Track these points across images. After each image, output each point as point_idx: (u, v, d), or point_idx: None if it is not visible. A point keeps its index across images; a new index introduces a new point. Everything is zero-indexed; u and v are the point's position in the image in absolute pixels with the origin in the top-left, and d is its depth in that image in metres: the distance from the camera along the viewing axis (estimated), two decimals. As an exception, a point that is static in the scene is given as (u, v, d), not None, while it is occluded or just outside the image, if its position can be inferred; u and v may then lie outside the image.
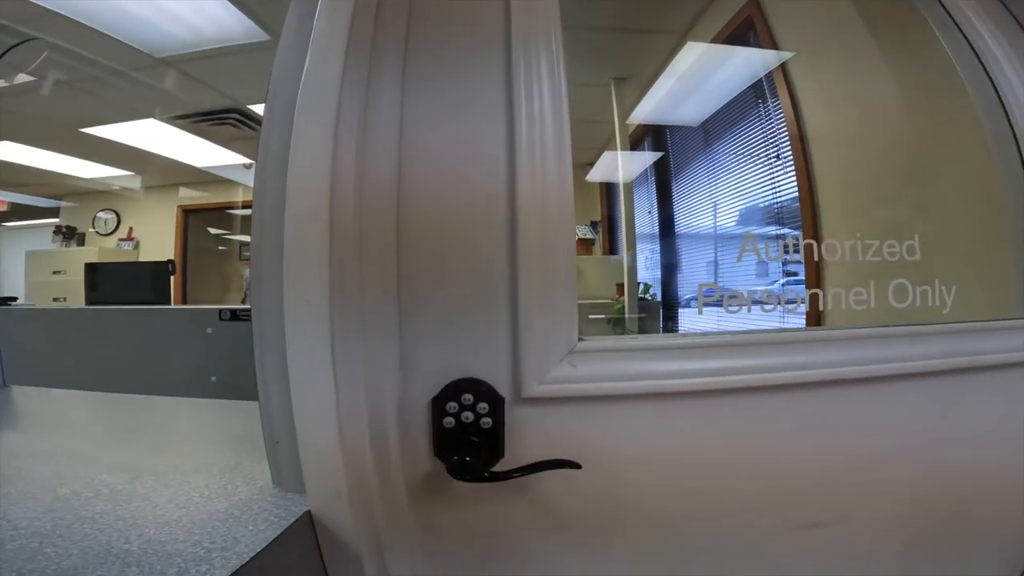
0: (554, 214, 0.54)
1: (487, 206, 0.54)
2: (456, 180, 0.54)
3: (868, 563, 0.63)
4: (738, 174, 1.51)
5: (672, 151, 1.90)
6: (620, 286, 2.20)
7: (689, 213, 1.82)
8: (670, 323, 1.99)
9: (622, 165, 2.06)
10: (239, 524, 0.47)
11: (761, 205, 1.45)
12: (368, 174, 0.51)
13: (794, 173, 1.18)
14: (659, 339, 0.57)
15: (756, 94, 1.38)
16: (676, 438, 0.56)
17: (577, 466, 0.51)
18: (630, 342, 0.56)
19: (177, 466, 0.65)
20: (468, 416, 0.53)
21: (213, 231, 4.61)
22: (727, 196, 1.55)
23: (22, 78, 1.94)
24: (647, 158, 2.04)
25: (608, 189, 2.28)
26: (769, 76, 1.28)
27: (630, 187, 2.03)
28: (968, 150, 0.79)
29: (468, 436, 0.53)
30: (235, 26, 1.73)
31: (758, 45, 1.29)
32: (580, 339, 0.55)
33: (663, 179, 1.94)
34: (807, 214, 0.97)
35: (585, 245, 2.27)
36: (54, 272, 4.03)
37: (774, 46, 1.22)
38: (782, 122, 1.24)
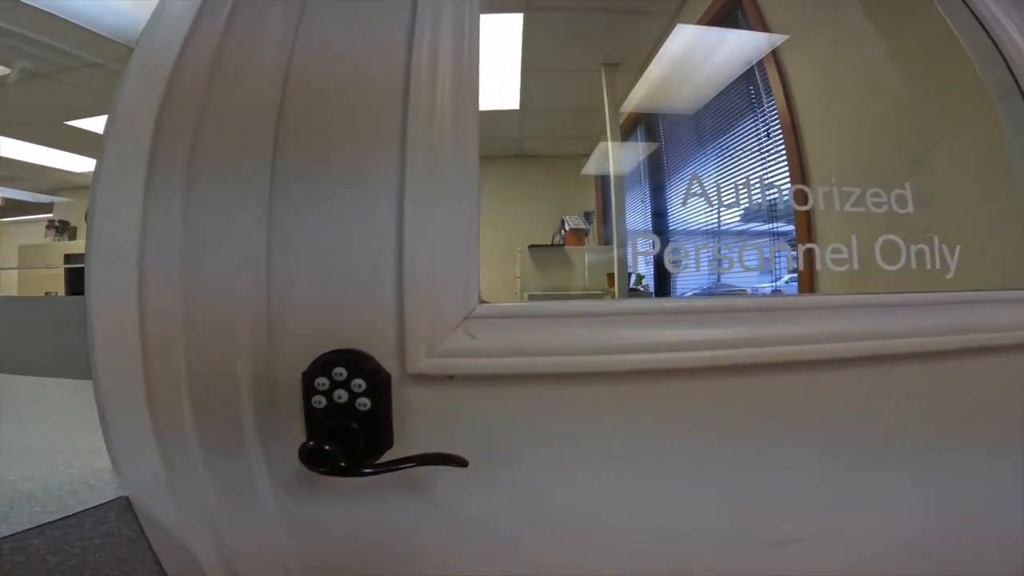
0: (450, 130, 0.43)
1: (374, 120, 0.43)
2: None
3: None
4: (731, 158, 1.39)
5: (664, 139, 1.78)
6: (611, 276, 2.09)
7: (683, 202, 1.70)
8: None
9: (614, 155, 1.97)
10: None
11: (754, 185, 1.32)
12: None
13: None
14: (590, 305, 0.46)
15: (747, 71, 1.27)
16: (606, 434, 0.45)
17: (463, 463, 0.41)
18: (549, 307, 0.45)
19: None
20: (341, 395, 0.43)
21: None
22: (721, 181, 1.43)
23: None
24: (640, 147, 1.94)
25: (603, 180, 2.18)
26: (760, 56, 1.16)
27: (622, 178, 1.93)
28: (971, 102, 0.66)
29: (346, 419, 0.43)
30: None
31: (748, 25, 1.19)
32: (481, 301, 0.44)
33: (656, 168, 1.83)
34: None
35: (578, 235, 2.17)
36: (46, 266, 3.99)
37: (763, 26, 1.11)
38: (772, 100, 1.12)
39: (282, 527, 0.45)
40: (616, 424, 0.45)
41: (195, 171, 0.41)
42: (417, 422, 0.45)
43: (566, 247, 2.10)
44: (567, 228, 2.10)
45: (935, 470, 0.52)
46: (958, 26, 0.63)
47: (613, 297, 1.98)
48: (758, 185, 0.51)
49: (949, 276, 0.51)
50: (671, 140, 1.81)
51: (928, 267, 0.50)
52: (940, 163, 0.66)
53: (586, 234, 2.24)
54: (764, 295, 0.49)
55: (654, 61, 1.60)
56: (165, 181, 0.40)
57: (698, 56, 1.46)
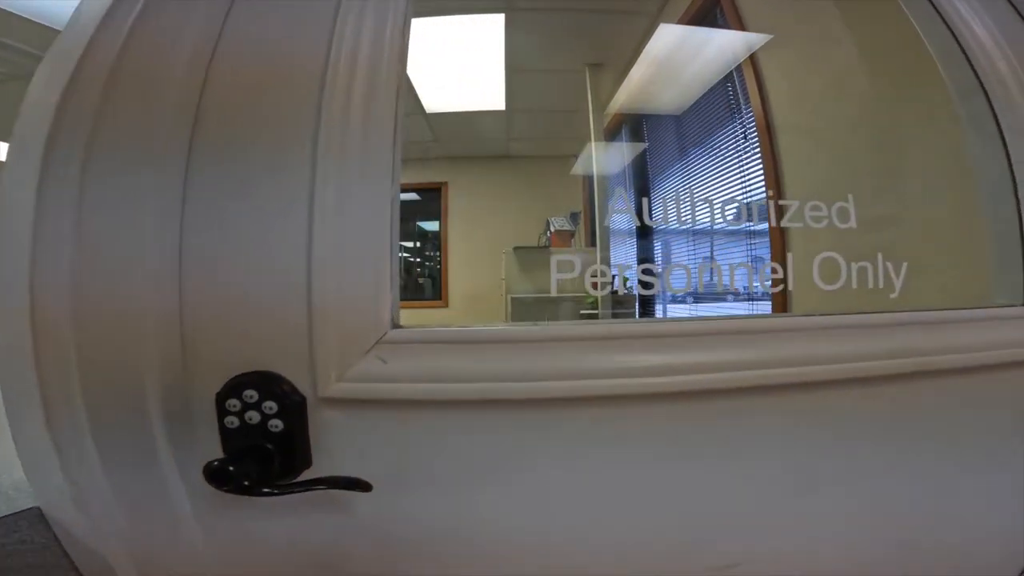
0: (355, 159, 0.42)
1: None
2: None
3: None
4: (714, 160, 1.36)
5: (649, 139, 1.76)
6: (596, 283, 2.07)
7: (668, 203, 1.69)
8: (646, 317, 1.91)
9: (597, 156, 1.94)
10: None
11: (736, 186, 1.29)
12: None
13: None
14: (504, 331, 0.44)
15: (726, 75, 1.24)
16: (527, 459, 0.43)
17: (366, 488, 0.40)
18: (463, 333, 0.43)
19: None
20: (253, 417, 0.43)
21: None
22: (706, 184, 1.41)
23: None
24: (626, 148, 1.91)
25: (590, 181, 2.16)
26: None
27: (605, 179, 1.91)
28: (932, 105, 0.63)
29: (260, 439, 0.43)
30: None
31: (725, 25, 1.16)
32: (396, 326, 0.43)
33: (641, 169, 1.81)
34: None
35: (564, 237, 2.14)
36: None
37: (740, 24, 1.08)
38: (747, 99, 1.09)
39: (201, 537, 0.45)
40: (535, 449, 0.44)
41: (92, 170, 0.40)
42: (335, 443, 0.44)
43: (551, 248, 2.08)
44: (552, 229, 2.08)
45: (878, 495, 0.50)
46: (919, 21, 0.59)
47: (595, 299, 1.96)
48: (687, 201, 0.49)
49: (893, 295, 0.48)
50: (655, 140, 1.78)
51: (870, 286, 0.48)
52: (893, 172, 0.63)
53: (572, 235, 2.21)
54: (683, 320, 0.47)
55: (638, 61, 1.57)
56: (60, 176, 0.39)
57: (681, 56, 1.42)
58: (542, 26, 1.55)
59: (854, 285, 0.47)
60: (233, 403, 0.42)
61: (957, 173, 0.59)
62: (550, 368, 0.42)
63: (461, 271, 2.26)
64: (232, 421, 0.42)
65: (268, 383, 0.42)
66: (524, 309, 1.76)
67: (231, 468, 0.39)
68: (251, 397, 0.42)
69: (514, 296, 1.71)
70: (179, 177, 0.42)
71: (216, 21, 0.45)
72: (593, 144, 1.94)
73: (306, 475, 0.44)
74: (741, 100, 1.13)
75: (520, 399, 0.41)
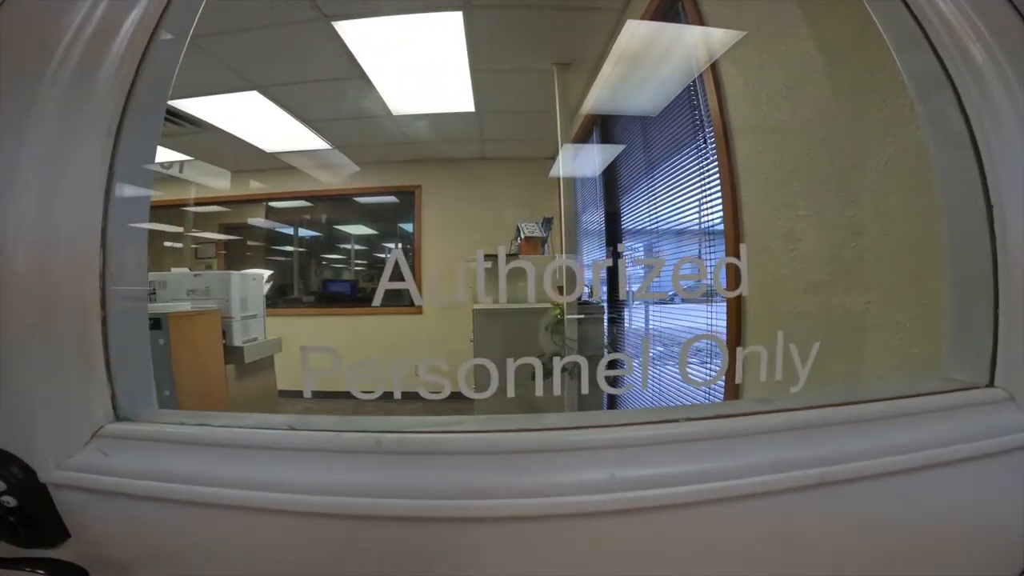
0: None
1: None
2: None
3: None
4: (680, 165, 1.22)
5: (620, 141, 1.59)
6: (561, 289, 1.92)
7: (639, 209, 1.53)
8: (614, 328, 1.81)
9: (566, 158, 1.79)
10: None
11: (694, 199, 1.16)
12: None
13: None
14: (239, 433, 0.35)
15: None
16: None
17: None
18: (184, 432, 0.34)
19: None
20: (-22, 491, 0.35)
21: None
22: (673, 191, 1.26)
23: None
24: (597, 150, 1.75)
25: (567, 184, 2.01)
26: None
27: (572, 182, 1.76)
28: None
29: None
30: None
31: (686, 20, 1.00)
32: (122, 418, 0.35)
33: (613, 172, 1.65)
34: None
35: (533, 243, 2.01)
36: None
37: (700, 20, 0.92)
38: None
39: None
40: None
41: None
42: (87, 520, 0.37)
43: (520, 256, 1.95)
44: (523, 236, 1.94)
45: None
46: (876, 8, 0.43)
47: (562, 311, 1.83)
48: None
49: (795, 389, 0.35)
50: (625, 142, 1.62)
51: (763, 379, 0.34)
52: (818, 197, 0.47)
53: (544, 241, 2.06)
54: (473, 430, 0.35)
55: (606, 60, 1.41)
56: None
57: (651, 54, 1.26)
58: (502, 25, 1.40)
59: (737, 379, 0.34)
60: (-41, 478, 0.35)
61: (907, 199, 0.44)
62: (264, 479, 0.32)
63: (435, 277, 2.15)
64: (-35, 494, 0.35)
65: (-6, 460, 0.34)
66: (487, 321, 1.65)
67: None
68: (-31, 474, 0.34)
69: (474, 308, 1.59)
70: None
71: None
72: (560, 147, 1.78)
73: (64, 548, 0.37)
74: (701, 100, 0.98)
75: (248, 507, 0.32)
